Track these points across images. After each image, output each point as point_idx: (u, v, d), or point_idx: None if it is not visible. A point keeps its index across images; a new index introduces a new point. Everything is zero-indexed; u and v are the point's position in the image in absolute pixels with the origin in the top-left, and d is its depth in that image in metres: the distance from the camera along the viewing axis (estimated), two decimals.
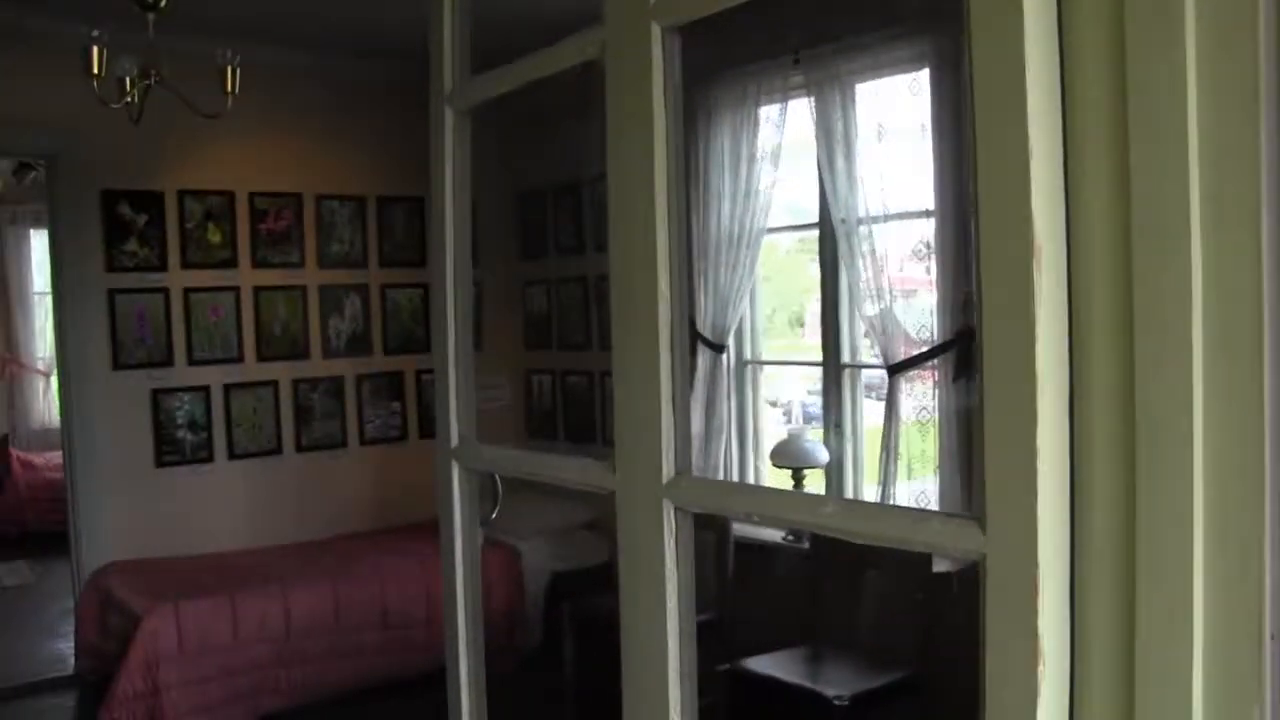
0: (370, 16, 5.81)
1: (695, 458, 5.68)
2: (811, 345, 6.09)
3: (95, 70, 4.21)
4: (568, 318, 7.10)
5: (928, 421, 4.57)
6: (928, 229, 4.56)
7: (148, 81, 4.46)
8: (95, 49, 4.17)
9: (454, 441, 2.11)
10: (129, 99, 4.54)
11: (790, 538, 5.29)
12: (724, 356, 5.71)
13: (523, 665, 6.07)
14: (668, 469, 1.54)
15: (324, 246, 6.93)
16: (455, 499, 2.12)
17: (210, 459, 6.54)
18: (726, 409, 5.73)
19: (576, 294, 7.01)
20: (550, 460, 1.85)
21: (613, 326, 1.67)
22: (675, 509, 1.53)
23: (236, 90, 4.71)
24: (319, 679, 5.61)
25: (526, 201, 7.43)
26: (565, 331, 7.13)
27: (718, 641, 4.54)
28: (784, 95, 5.35)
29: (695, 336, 5.68)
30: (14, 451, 10.23)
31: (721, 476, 5.73)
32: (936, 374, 4.54)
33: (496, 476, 2.15)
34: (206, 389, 6.52)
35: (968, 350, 4.36)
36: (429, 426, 7.25)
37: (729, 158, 5.57)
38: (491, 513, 2.15)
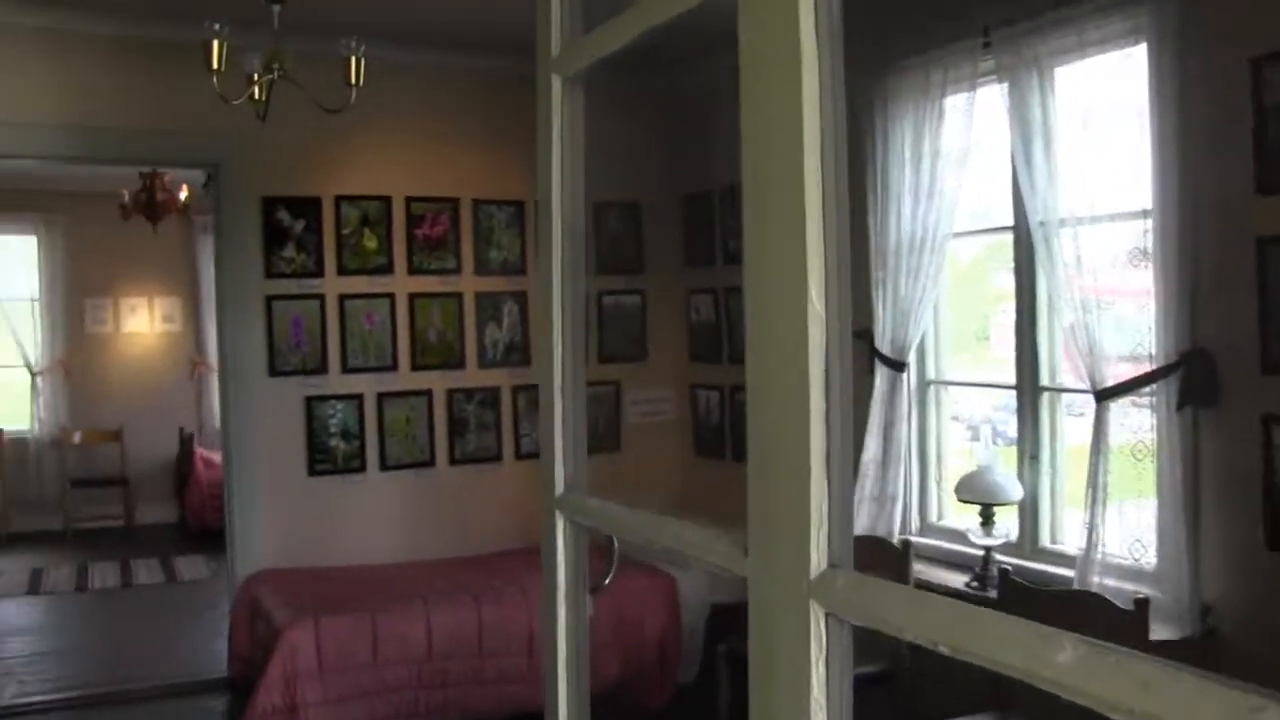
0: (526, 9, 5.50)
1: (869, 487, 5.16)
2: (998, 359, 5.52)
3: (215, 65, 3.98)
4: (738, 330, 6.62)
5: (1144, 456, 3.92)
6: (1144, 231, 3.93)
7: (271, 76, 4.22)
8: (215, 43, 3.94)
9: (559, 488, 1.70)
10: (252, 94, 4.32)
11: (974, 585, 4.73)
12: (904, 375, 5.17)
13: (675, 699, 5.68)
14: (818, 560, 1.10)
15: (481, 252, 6.66)
16: (559, 557, 1.71)
17: (362, 469, 6.33)
18: (906, 433, 5.20)
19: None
20: (668, 526, 1.41)
21: (746, 355, 1.23)
22: (827, 617, 1.09)
23: (361, 82, 4.44)
24: (460, 704, 5.30)
25: (693, 204, 7.02)
26: (736, 345, 6.69)
27: (888, 699, 4.03)
28: (972, 83, 4.77)
29: (872, 353, 5.17)
30: (198, 450, 10.40)
31: (899, 510, 5.20)
32: (1155, 400, 3.90)
33: (614, 536, 1.73)
34: (360, 397, 6.31)
35: (1197, 374, 3.74)
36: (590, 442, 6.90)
37: (910, 154, 5.03)
38: (605, 578, 1.73)
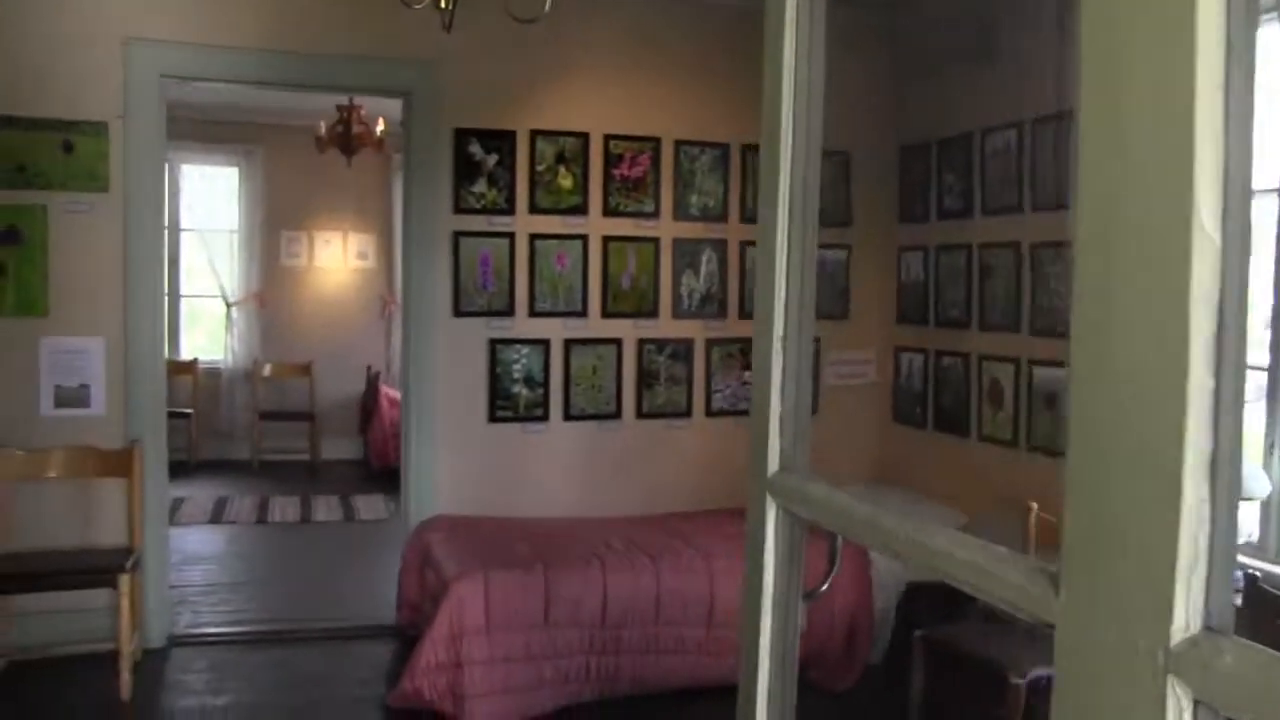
0: None
1: None
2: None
3: None
4: (947, 291, 6.18)
5: None
6: None
7: None
8: None
9: (772, 466, 1.34)
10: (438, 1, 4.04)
11: None
12: None
13: (860, 681, 5.29)
14: (1186, 618, 0.72)
15: (681, 197, 6.31)
16: (768, 549, 1.35)
17: (544, 418, 6.10)
18: None
19: (959, 264, 6.07)
20: (931, 535, 1.01)
21: (1074, 302, 0.84)
22: (1197, 706, 0.70)
23: None
24: (633, 673, 5.01)
25: (909, 156, 6.55)
26: (944, 306, 6.22)
27: None
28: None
29: None
30: (384, 388, 10.40)
31: None
32: None
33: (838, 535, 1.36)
34: (546, 343, 6.07)
35: None
36: None
37: None
38: (822, 582, 1.36)
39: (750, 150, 6.41)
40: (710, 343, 6.41)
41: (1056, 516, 0.88)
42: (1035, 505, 4.62)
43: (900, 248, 6.63)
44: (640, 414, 6.29)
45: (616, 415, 6.24)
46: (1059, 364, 5.29)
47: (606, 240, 6.15)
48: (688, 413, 6.40)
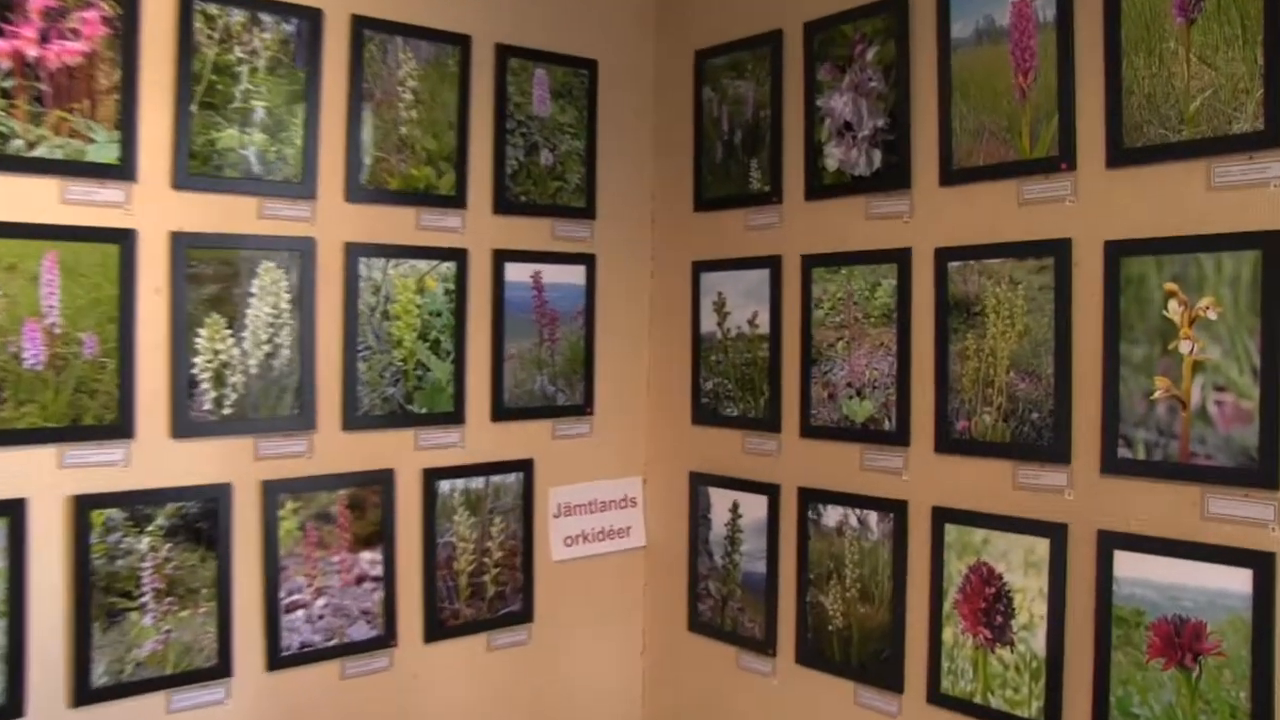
0: None
1: None
2: None
3: None
4: (839, 357, 2.76)
5: None
6: None
7: None
8: None
9: None
10: None
11: None
12: None
13: None
14: None
15: (198, 129, 2.51)
16: None
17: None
18: None
19: (876, 295, 2.67)
20: None
21: None
22: None
23: None
24: None
25: (717, 72, 3.09)
26: (830, 393, 2.78)
27: None
28: None
29: None
30: None
31: None
32: None
33: None
34: None
35: None
36: (464, 599, 2.90)
37: None
38: None
39: (372, 27, 2.72)
40: (271, 489, 2.60)
41: None
42: None
43: (699, 263, 3.12)
44: (84, 695, 2.38)
45: (224, 671, 2.42)
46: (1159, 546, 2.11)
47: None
48: (222, 669, 2.56)
